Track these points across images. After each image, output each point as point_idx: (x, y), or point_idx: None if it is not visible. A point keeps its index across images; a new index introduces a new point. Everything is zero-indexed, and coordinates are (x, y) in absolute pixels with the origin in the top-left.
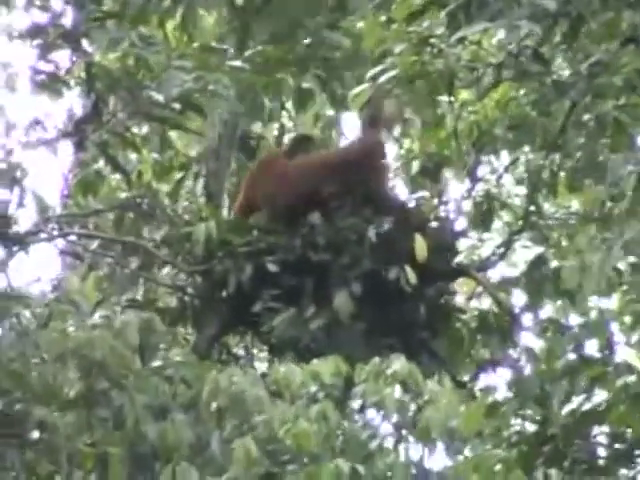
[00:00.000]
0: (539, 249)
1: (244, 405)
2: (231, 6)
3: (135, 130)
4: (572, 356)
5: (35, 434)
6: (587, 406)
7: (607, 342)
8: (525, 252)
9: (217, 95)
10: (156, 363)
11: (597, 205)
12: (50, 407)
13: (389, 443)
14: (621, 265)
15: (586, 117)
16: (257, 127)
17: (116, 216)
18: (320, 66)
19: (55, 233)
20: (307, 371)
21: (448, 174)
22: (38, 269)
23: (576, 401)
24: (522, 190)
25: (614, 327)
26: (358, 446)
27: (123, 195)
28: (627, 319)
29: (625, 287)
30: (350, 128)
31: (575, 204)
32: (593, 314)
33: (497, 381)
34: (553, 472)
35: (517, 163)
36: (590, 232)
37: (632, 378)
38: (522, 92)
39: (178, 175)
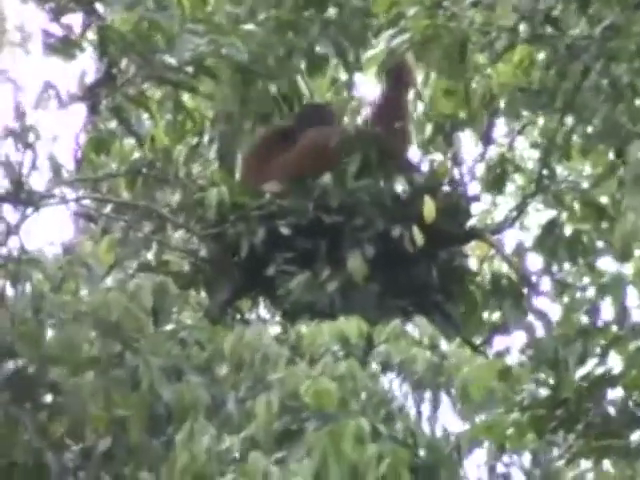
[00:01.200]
0: (552, 213)
1: (267, 360)
2: None
3: (149, 94)
4: (586, 319)
5: (48, 397)
6: (600, 370)
7: (622, 306)
8: (538, 216)
9: (230, 59)
10: (169, 326)
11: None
12: (63, 370)
13: (410, 404)
14: None
15: (604, 82)
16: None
17: (128, 179)
18: (334, 29)
19: (68, 197)
20: (333, 330)
21: (462, 137)
22: (51, 232)
23: (589, 364)
24: (535, 154)
25: (630, 292)
26: (379, 406)
27: (136, 157)
28: None
29: None
30: (364, 91)
31: (588, 169)
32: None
33: (510, 345)
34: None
35: (533, 126)
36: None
37: None
38: (540, 55)
39: (193, 140)
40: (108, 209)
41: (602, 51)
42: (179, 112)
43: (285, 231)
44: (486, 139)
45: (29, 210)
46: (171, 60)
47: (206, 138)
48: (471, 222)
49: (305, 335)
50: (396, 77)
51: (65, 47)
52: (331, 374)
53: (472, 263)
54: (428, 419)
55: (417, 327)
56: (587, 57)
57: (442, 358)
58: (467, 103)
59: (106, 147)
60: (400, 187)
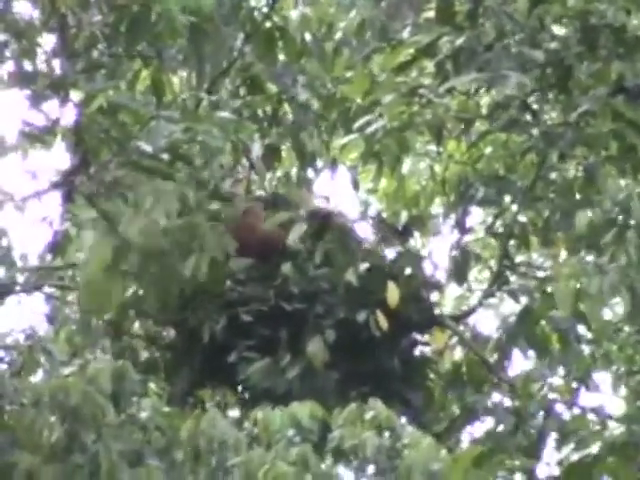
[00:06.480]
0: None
1: (224, 447)
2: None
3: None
4: None
5: None
6: (575, 456)
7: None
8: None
9: (206, 146)
10: (130, 411)
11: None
12: (36, 457)
13: None
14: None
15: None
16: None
17: None
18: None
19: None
20: (285, 414)
21: (422, 231)
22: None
23: (565, 451)
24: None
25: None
26: None
27: None
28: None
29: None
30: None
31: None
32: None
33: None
34: None
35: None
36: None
37: (621, 428)
38: (489, 149)
39: None
40: (71, 297)
41: (579, 137)
42: None
43: (246, 318)
44: (461, 227)
45: None
46: (146, 147)
47: None
48: (444, 309)
49: (259, 420)
50: None
51: (42, 135)
52: (284, 459)
53: (434, 350)
54: None
55: (372, 410)
56: (563, 144)
57: (396, 440)
58: (442, 190)
59: (62, 252)
60: (351, 276)
